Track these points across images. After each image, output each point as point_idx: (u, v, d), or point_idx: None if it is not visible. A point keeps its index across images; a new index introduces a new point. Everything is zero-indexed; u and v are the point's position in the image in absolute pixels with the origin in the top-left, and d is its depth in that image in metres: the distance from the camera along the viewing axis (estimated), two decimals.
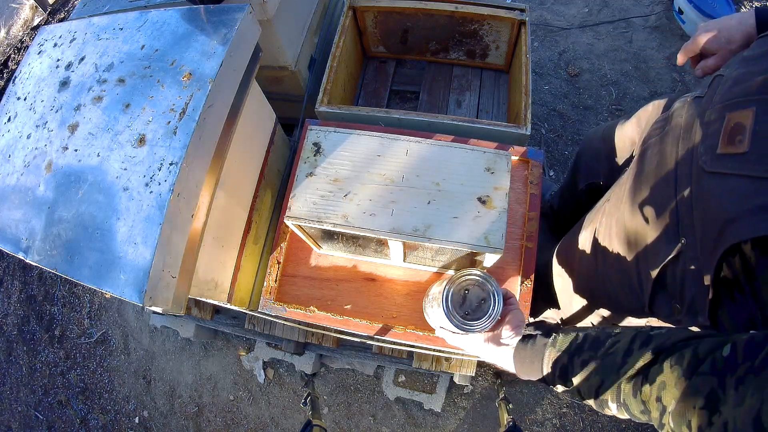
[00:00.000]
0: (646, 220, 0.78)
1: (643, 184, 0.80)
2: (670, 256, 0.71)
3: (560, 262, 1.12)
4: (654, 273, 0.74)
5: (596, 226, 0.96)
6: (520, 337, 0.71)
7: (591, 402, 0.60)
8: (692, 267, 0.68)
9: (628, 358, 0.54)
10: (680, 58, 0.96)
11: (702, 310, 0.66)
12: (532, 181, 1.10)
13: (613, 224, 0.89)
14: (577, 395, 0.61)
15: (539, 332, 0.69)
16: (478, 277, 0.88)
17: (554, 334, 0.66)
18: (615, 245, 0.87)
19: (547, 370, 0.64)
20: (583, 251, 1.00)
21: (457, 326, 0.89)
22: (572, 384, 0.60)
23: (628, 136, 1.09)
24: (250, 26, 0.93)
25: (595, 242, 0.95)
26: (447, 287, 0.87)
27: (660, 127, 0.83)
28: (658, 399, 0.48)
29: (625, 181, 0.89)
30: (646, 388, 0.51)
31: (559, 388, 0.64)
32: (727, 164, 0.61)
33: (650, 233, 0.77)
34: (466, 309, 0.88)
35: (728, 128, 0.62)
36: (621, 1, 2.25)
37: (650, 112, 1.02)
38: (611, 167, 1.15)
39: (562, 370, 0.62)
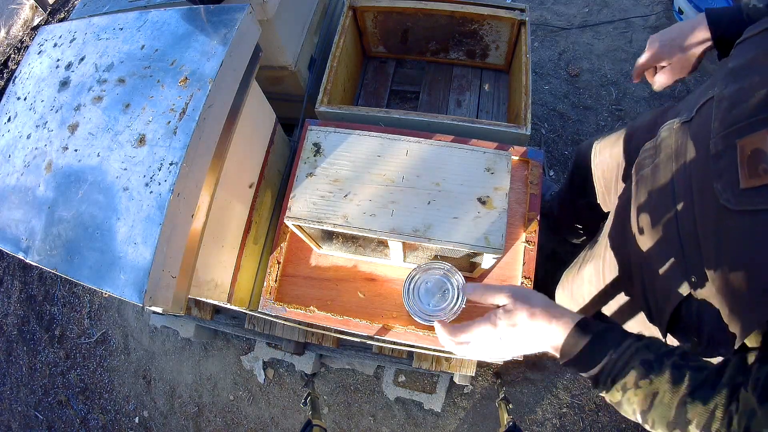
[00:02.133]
0: (652, 258, 0.74)
1: (643, 220, 0.78)
2: (683, 296, 0.67)
3: (565, 295, 1.10)
4: (668, 312, 0.71)
5: (601, 262, 0.94)
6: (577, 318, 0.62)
7: (657, 414, 0.51)
8: (707, 304, 0.64)
9: (723, 377, 0.49)
10: (635, 76, 0.93)
11: (724, 343, 0.61)
12: (532, 181, 1.10)
13: (618, 261, 0.87)
14: (643, 402, 0.52)
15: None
16: (443, 268, 0.93)
17: (641, 334, 0.59)
18: (623, 281, 0.85)
19: (617, 357, 0.55)
20: (590, 286, 0.98)
21: (414, 312, 0.93)
22: (649, 384, 0.52)
23: (615, 159, 1.08)
24: (250, 26, 0.94)
25: (602, 278, 0.93)
26: (411, 274, 0.92)
27: (650, 157, 0.81)
28: (747, 430, 0.44)
29: (624, 213, 0.86)
30: (735, 415, 0.46)
31: (604, 387, 0.56)
32: (755, 199, 0.52)
33: (658, 271, 0.73)
34: (428, 299, 0.93)
35: (745, 157, 0.54)
36: (621, 1, 2.25)
37: (640, 135, 0.99)
38: (603, 189, 1.15)
39: (646, 366, 0.53)
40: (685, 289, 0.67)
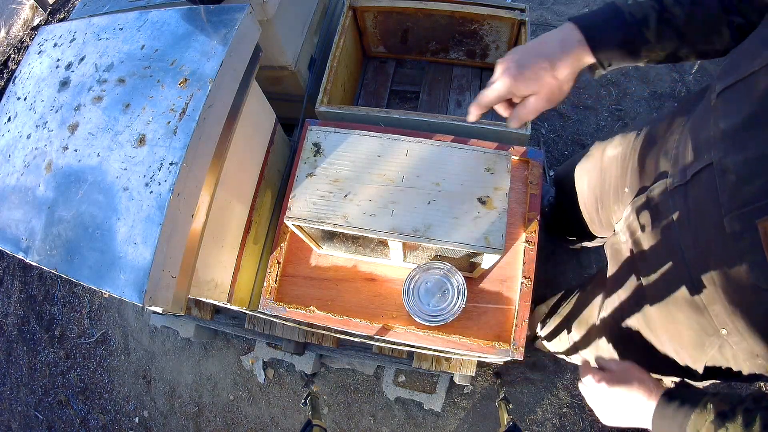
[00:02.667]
0: (673, 326, 0.74)
1: (656, 293, 0.75)
2: (714, 350, 0.68)
3: (590, 351, 1.06)
4: (701, 367, 0.72)
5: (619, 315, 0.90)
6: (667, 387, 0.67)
7: None
8: (741, 349, 0.65)
9: None
10: (474, 113, 0.71)
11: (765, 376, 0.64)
12: (532, 181, 1.10)
13: (635, 322, 0.84)
14: None
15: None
16: (443, 268, 0.93)
17: (716, 391, 0.63)
18: (649, 339, 0.83)
19: (698, 414, 0.58)
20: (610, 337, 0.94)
21: (414, 312, 0.94)
22: (725, 431, 0.55)
23: (592, 191, 1.07)
24: (250, 26, 0.93)
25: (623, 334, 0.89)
26: (411, 274, 0.93)
27: (647, 223, 0.75)
28: None
29: (626, 277, 0.83)
30: None
31: None
32: None
33: (682, 336, 0.73)
34: (428, 299, 0.93)
35: None
36: None
37: (612, 168, 0.96)
38: (588, 218, 1.14)
39: (722, 416, 0.57)
40: (716, 345, 0.68)
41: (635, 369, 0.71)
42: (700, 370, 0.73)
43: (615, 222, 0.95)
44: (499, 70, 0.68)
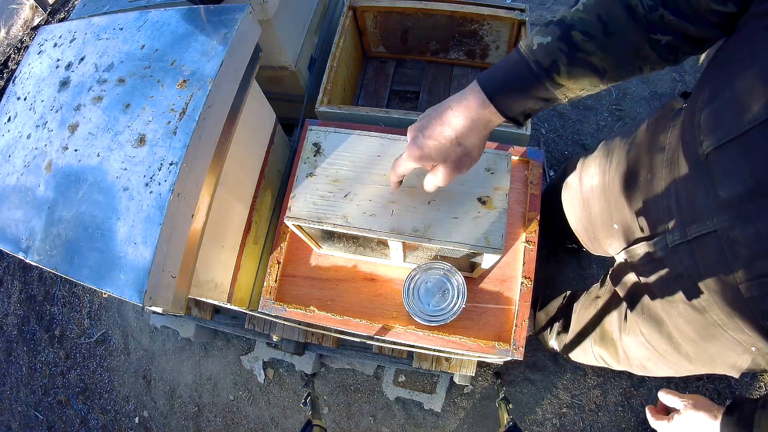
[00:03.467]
0: (701, 351, 0.75)
1: (683, 334, 0.76)
2: (747, 366, 0.70)
3: (625, 363, 1.06)
4: (738, 374, 0.74)
5: (642, 338, 0.90)
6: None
7: None
8: None
9: None
10: (393, 182, 0.77)
11: None
12: (532, 181, 1.10)
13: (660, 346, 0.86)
14: None
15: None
16: (443, 268, 0.93)
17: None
18: (672, 357, 0.84)
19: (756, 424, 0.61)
20: (641, 351, 0.94)
21: (414, 312, 0.94)
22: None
23: (581, 223, 1.07)
24: (250, 26, 0.93)
25: (652, 349, 0.89)
26: (411, 274, 0.93)
27: (655, 272, 0.76)
28: None
29: (644, 313, 0.84)
30: None
31: None
32: None
33: (715, 355, 0.74)
34: (428, 299, 0.94)
35: None
36: None
37: (594, 200, 0.96)
38: (582, 242, 1.14)
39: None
40: (747, 361, 0.70)
41: (699, 404, 0.73)
42: (737, 376, 0.75)
43: (612, 252, 0.95)
44: (408, 138, 0.67)
